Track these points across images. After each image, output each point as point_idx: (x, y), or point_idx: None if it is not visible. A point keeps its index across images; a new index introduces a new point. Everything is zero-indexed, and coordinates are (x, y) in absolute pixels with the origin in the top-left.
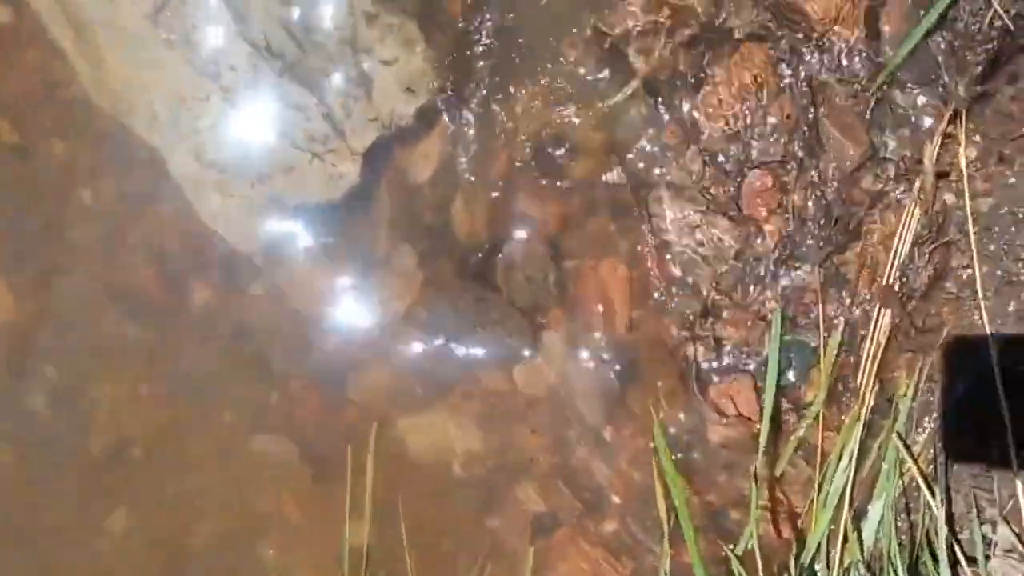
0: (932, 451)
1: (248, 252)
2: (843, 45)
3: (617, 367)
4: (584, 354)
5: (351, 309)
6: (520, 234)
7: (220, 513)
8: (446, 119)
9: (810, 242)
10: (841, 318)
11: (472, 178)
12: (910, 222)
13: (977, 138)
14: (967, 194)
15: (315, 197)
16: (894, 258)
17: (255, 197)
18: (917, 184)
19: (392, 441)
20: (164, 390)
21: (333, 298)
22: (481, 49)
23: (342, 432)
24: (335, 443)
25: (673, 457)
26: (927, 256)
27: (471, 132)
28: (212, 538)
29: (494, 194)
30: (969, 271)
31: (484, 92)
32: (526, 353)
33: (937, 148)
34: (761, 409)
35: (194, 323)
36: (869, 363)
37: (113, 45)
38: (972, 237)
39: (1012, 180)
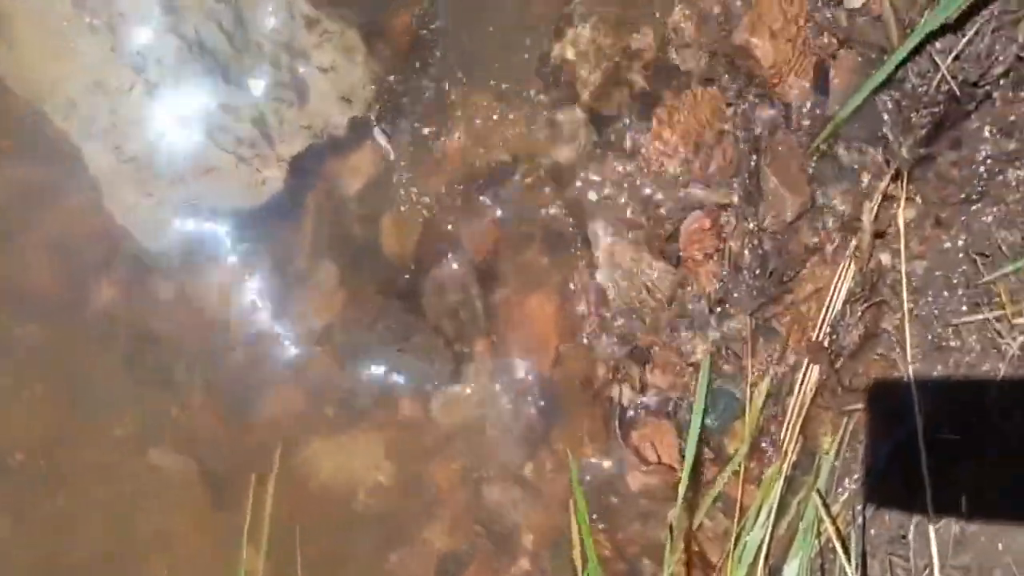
0: (851, 512)
1: (160, 253)
2: (791, 95)
3: (541, 404)
4: (508, 388)
5: (266, 322)
6: (450, 258)
7: (105, 531)
8: (382, 129)
9: (744, 291)
10: (769, 370)
11: (404, 195)
12: (844, 279)
13: (917, 199)
14: (903, 255)
15: (236, 201)
16: (826, 314)
17: (172, 196)
18: (854, 242)
19: (298, 466)
20: (54, 393)
21: (247, 309)
22: (425, 64)
23: (245, 452)
24: (237, 463)
25: (591, 501)
26: (859, 315)
27: (408, 148)
28: (94, 558)
29: (426, 214)
30: (899, 333)
31: (424, 107)
32: (447, 383)
33: (877, 207)
34: (682, 457)
35: (94, 324)
36: (794, 418)
37: (32, 24)
38: (904, 299)
39: (947, 245)
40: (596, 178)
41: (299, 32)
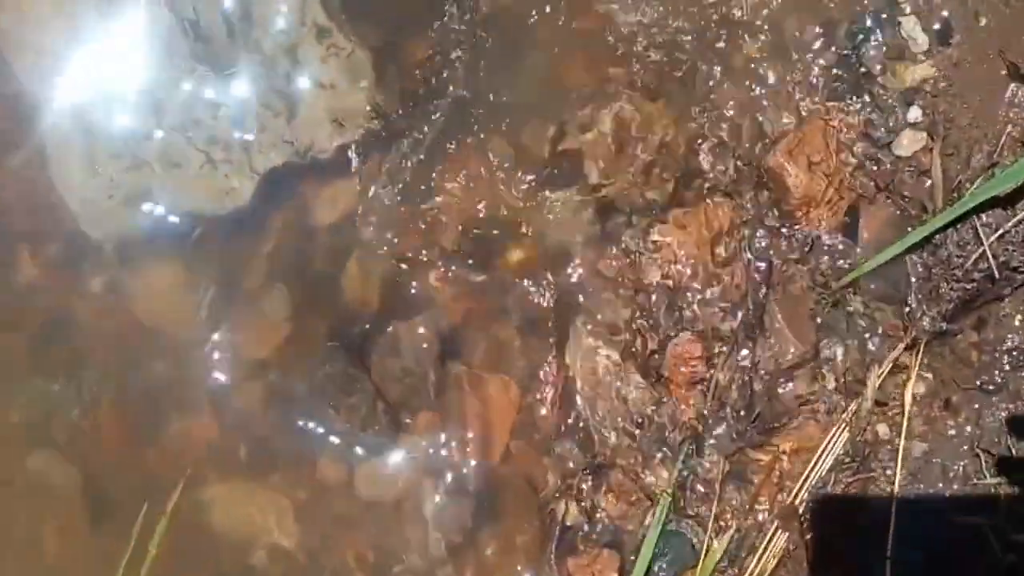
0: None
1: (99, 240)
2: (815, 232)
3: (477, 500)
4: (444, 473)
5: (198, 339)
6: (412, 318)
7: None
8: (370, 166)
9: (723, 430)
10: (733, 524)
11: (379, 238)
12: (835, 444)
13: (928, 375)
14: (903, 433)
15: (196, 204)
16: (807, 477)
17: (125, 182)
18: (852, 407)
19: (196, 504)
20: None
21: (182, 321)
22: (434, 104)
23: (142, 477)
24: (129, 487)
25: None
26: (843, 486)
27: (394, 188)
28: None
29: (398, 264)
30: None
31: (422, 151)
32: (378, 452)
33: (884, 374)
34: None
35: (9, 299)
36: None
37: None
38: (897, 482)
39: (953, 432)
40: (589, 270)
41: (306, 40)
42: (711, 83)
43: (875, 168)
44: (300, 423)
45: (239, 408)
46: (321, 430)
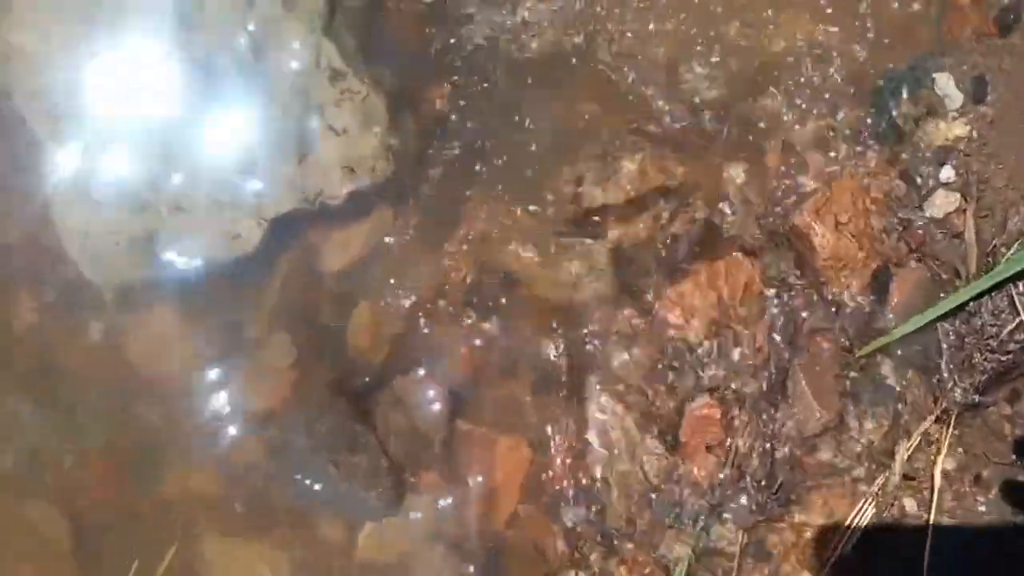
0: None
1: (99, 285)
2: (842, 294)
3: (482, 565)
4: (448, 535)
5: (197, 388)
6: (420, 371)
7: None
8: (382, 211)
9: (743, 500)
10: None
11: (388, 286)
12: (861, 518)
13: (960, 450)
14: (933, 509)
15: (200, 249)
16: (832, 553)
17: (128, 225)
18: (879, 480)
19: (190, 560)
20: None
21: (181, 368)
22: (449, 150)
23: (135, 530)
24: (121, 540)
25: None
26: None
27: (406, 236)
28: None
29: (407, 313)
30: None
31: (436, 198)
32: (381, 513)
33: (913, 447)
34: None
35: (5, 343)
36: None
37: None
38: (926, 560)
39: (983, 508)
40: (605, 326)
41: (320, 83)
42: (735, 138)
43: (906, 229)
44: (301, 478)
45: (238, 461)
46: (322, 487)
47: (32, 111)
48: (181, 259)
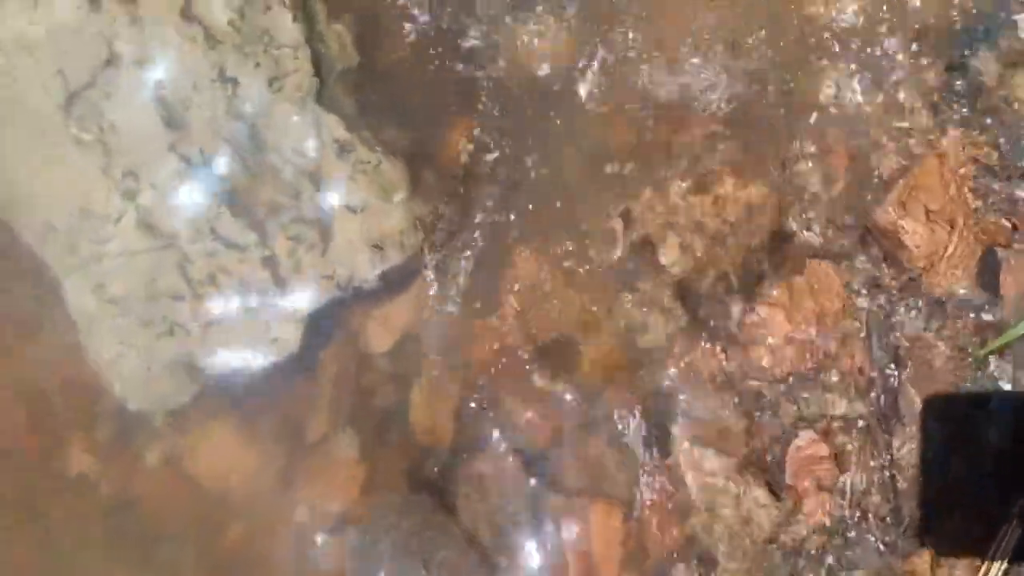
0: None
1: (146, 412)
2: (945, 291)
3: None
4: None
5: (268, 502)
6: (495, 445)
7: None
8: (421, 280)
9: (869, 540)
10: None
11: (442, 359)
12: (1007, 544)
13: None
14: None
15: (240, 359)
16: None
17: (161, 349)
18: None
19: None
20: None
21: (251, 480)
22: (481, 203)
23: None
24: None
25: None
26: None
27: (452, 304)
28: None
29: (466, 385)
30: None
31: (476, 258)
32: None
33: None
34: None
35: (67, 496)
36: None
37: (12, 130)
38: None
39: None
40: (681, 367)
41: (327, 159)
42: (795, 129)
43: (1007, 205)
44: None
45: (326, 569)
46: None
47: (37, 239)
48: (224, 373)
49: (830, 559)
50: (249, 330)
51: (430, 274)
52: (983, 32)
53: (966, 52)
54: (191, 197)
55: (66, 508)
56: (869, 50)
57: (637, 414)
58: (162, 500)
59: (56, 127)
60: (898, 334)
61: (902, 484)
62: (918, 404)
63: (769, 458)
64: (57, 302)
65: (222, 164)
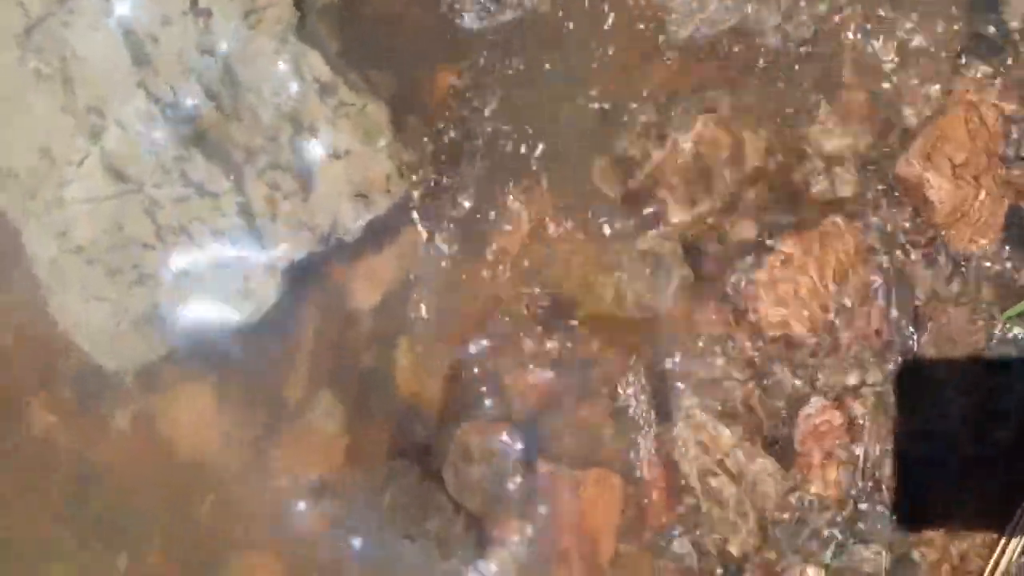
0: None
1: (116, 371)
2: (969, 250)
3: None
4: None
5: (247, 465)
6: (485, 411)
7: None
8: (408, 232)
9: (882, 512)
10: None
11: (429, 316)
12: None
13: None
14: None
15: (214, 313)
16: (995, 565)
17: (131, 302)
18: None
19: None
20: None
21: (225, 446)
22: (470, 148)
23: None
24: None
25: None
26: None
27: (443, 257)
28: None
29: (457, 345)
30: None
31: (468, 208)
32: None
33: None
34: None
35: (28, 456)
36: None
37: None
38: None
39: None
40: (685, 328)
41: (309, 100)
42: (813, 75)
43: None
44: (371, 556)
45: (301, 540)
46: (398, 560)
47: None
48: (197, 329)
49: (839, 530)
50: (223, 282)
51: (417, 225)
52: None
53: None
54: (160, 138)
55: (24, 474)
56: None
57: (637, 378)
58: (130, 466)
59: (13, 60)
60: (918, 295)
61: (916, 453)
62: (936, 369)
63: (777, 425)
64: (16, 251)
65: (193, 104)
